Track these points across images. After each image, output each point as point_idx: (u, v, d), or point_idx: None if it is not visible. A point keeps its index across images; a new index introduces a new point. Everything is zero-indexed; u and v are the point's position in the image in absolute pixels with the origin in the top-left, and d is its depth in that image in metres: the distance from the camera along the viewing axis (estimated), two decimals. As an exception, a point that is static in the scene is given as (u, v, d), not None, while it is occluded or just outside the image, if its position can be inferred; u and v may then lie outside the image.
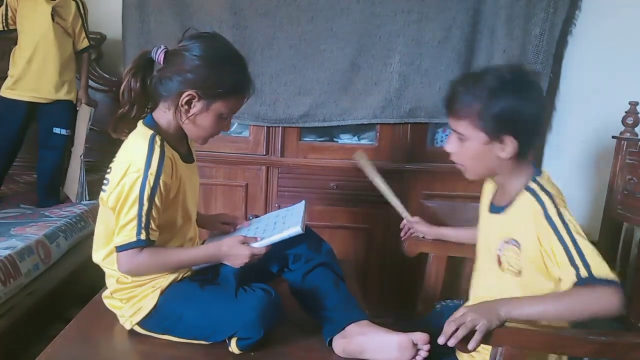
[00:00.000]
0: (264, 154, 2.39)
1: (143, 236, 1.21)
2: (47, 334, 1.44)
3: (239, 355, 1.25)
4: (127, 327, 1.33)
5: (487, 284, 1.26)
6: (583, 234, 1.07)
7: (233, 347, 1.25)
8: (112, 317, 1.36)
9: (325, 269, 1.40)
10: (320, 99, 2.30)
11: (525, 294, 1.14)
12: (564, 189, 1.18)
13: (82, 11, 2.54)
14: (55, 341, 1.29)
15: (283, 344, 1.31)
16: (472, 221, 1.44)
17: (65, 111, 2.53)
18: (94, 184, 2.53)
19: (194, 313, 1.27)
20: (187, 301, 1.28)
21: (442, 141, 2.46)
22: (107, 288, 1.38)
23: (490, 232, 1.25)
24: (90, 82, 2.71)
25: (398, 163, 2.33)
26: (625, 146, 1.66)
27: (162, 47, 1.27)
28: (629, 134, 1.68)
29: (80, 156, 2.51)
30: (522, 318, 1.06)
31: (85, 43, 2.59)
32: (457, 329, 1.03)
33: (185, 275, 1.34)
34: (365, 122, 2.34)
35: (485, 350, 1.12)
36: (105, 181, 1.29)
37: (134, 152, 1.23)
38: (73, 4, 2.50)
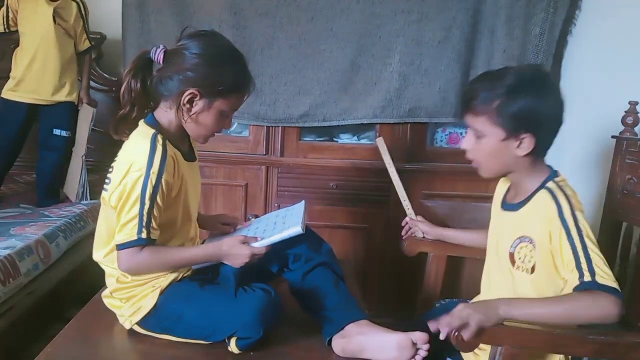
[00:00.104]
0: (264, 153, 2.39)
1: (144, 235, 1.21)
2: (46, 334, 1.44)
3: (238, 355, 1.25)
4: (127, 326, 1.32)
5: (498, 282, 1.26)
6: (594, 240, 1.08)
7: (232, 346, 1.25)
8: (111, 317, 1.36)
9: (325, 268, 1.40)
10: (320, 98, 2.30)
11: (537, 291, 1.14)
12: (563, 189, 1.18)
13: (83, 12, 2.53)
14: (54, 341, 1.29)
15: (283, 344, 1.31)
16: (472, 221, 1.44)
17: (65, 112, 2.53)
18: (95, 183, 2.53)
19: (194, 313, 1.27)
20: (187, 301, 1.28)
21: (441, 141, 2.46)
22: (106, 287, 1.38)
23: (502, 230, 1.25)
24: (91, 82, 2.71)
25: (398, 163, 2.29)
26: (625, 146, 1.66)
27: (161, 46, 1.27)
28: (628, 134, 1.68)
29: (82, 157, 2.51)
30: (522, 318, 1.06)
31: (86, 44, 2.59)
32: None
33: (185, 275, 1.34)
34: (365, 122, 2.34)
35: (488, 348, 1.12)
36: (107, 180, 1.29)
37: (136, 151, 1.24)
38: (74, 5, 2.50)
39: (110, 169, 1.29)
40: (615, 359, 1.08)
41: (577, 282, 1.05)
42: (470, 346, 1.07)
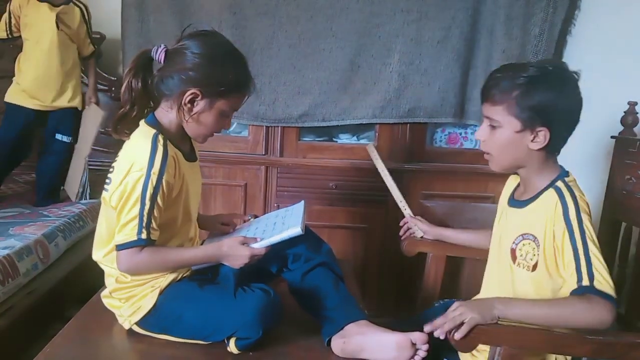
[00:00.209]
0: (263, 153, 2.39)
1: (144, 235, 1.21)
2: (46, 334, 1.44)
3: (237, 355, 1.25)
4: (126, 326, 1.32)
5: (499, 279, 1.26)
6: (597, 243, 1.08)
7: (232, 347, 1.25)
8: (111, 317, 1.36)
9: (324, 269, 1.40)
10: (319, 98, 2.30)
11: (536, 288, 1.14)
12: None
13: (86, 17, 2.53)
14: (54, 341, 1.28)
15: (282, 344, 1.31)
16: (471, 221, 1.44)
17: (68, 118, 2.53)
18: (97, 183, 2.52)
19: (193, 313, 1.27)
20: (186, 301, 1.28)
21: (441, 141, 2.46)
22: (106, 287, 1.38)
23: (507, 226, 1.25)
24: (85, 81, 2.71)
25: (397, 163, 2.32)
26: (624, 146, 1.67)
27: (162, 46, 1.26)
28: (627, 134, 1.68)
29: (85, 157, 2.50)
30: (517, 319, 1.06)
31: (90, 49, 2.59)
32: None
33: (184, 275, 1.34)
34: (364, 122, 2.34)
35: (487, 349, 1.12)
36: (107, 180, 1.29)
37: (137, 151, 1.23)
38: (77, 10, 2.49)
39: (111, 169, 1.29)
40: (614, 359, 1.07)
41: (575, 286, 1.05)
42: (469, 346, 1.07)
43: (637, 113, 1.72)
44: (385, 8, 2.21)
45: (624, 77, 1.89)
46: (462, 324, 1.04)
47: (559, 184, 1.15)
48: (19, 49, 2.48)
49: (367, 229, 2.41)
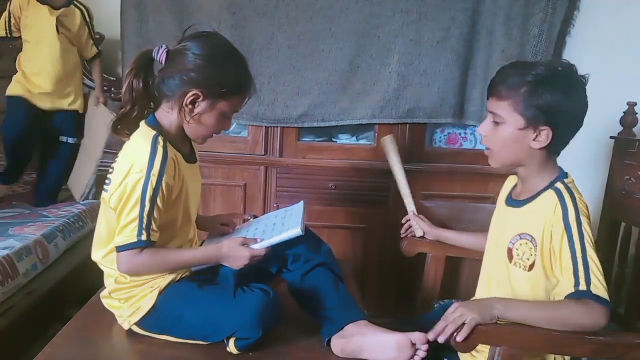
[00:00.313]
0: (263, 154, 2.39)
1: (144, 237, 1.21)
2: (45, 334, 1.44)
3: (237, 356, 1.25)
4: (126, 327, 1.32)
5: (494, 277, 1.26)
6: (594, 247, 1.08)
7: (231, 347, 1.25)
8: (110, 317, 1.36)
9: (324, 269, 1.40)
10: (318, 99, 2.30)
11: (532, 288, 1.15)
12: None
13: (87, 19, 2.51)
14: (53, 341, 1.28)
15: (282, 344, 1.31)
16: (470, 222, 1.44)
17: (70, 120, 2.53)
18: (98, 183, 2.52)
19: (193, 313, 1.27)
20: (186, 301, 1.28)
21: (440, 141, 2.46)
22: (105, 288, 1.38)
23: (504, 225, 1.25)
24: (89, 82, 2.71)
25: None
26: (623, 146, 1.67)
27: (164, 46, 1.27)
28: (627, 135, 1.68)
29: (96, 160, 2.49)
30: (516, 320, 1.07)
31: (93, 51, 2.57)
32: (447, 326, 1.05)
33: (183, 276, 1.34)
34: (363, 122, 2.34)
35: (487, 349, 1.12)
36: (107, 181, 1.29)
37: (137, 152, 1.23)
38: (78, 12, 2.47)
39: (111, 169, 1.29)
40: (614, 359, 1.08)
41: (572, 290, 1.06)
42: (469, 347, 1.07)
43: (637, 113, 1.72)
44: (384, 9, 2.22)
45: (623, 77, 1.89)
46: (462, 325, 1.04)
47: (559, 185, 1.15)
48: (19, 49, 2.48)
49: (367, 229, 2.41)
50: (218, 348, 1.26)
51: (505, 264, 1.21)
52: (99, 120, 2.54)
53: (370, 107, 2.30)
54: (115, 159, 1.29)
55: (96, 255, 1.36)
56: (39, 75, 2.42)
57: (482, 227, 1.38)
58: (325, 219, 2.35)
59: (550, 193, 1.14)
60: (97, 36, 2.70)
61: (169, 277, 1.31)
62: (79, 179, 2.59)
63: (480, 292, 1.31)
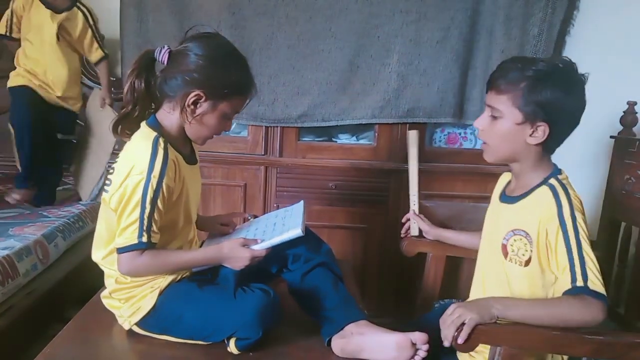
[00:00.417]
0: (263, 154, 2.39)
1: (144, 239, 1.21)
2: (45, 334, 1.44)
3: (237, 356, 1.25)
4: (126, 327, 1.32)
5: (490, 274, 1.26)
6: (589, 242, 1.08)
7: (232, 347, 1.25)
8: (110, 317, 1.36)
9: (324, 269, 1.40)
10: (318, 99, 2.30)
11: (530, 284, 1.15)
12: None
13: (91, 21, 2.48)
14: (53, 341, 1.28)
15: (282, 344, 1.31)
16: (470, 222, 1.44)
17: (69, 118, 2.54)
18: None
19: (193, 313, 1.27)
20: (186, 301, 1.28)
21: (440, 141, 2.46)
22: (105, 288, 1.38)
23: (498, 222, 1.25)
24: (89, 82, 2.70)
25: (396, 163, 2.33)
26: (623, 146, 1.67)
27: (166, 47, 1.27)
28: (627, 134, 1.68)
29: (106, 163, 2.47)
30: (515, 319, 1.07)
31: (99, 53, 2.54)
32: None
33: (184, 276, 1.34)
34: (363, 122, 2.34)
35: (486, 349, 1.12)
36: (107, 182, 1.29)
37: (137, 153, 1.23)
38: (80, 15, 2.45)
39: (111, 170, 1.29)
40: (614, 359, 1.08)
41: (569, 286, 1.06)
42: (469, 347, 1.07)
43: (637, 113, 1.73)
44: (384, 9, 2.21)
45: (623, 77, 1.90)
46: (462, 325, 1.04)
47: (553, 181, 1.15)
48: (17, 47, 2.46)
49: (367, 229, 2.41)
50: (218, 348, 1.26)
51: (500, 261, 1.20)
52: (109, 122, 2.53)
53: (370, 107, 2.30)
54: (116, 159, 1.29)
55: (96, 255, 1.36)
56: (37, 76, 2.41)
57: (482, 227, 1.38)
58: (325, 219, 2.35)
59: (544, 189, 1.15)
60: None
61: (170, 278, 1.31)
62: (87, 180, 2.60)
63: (475, 292, 1.30)
